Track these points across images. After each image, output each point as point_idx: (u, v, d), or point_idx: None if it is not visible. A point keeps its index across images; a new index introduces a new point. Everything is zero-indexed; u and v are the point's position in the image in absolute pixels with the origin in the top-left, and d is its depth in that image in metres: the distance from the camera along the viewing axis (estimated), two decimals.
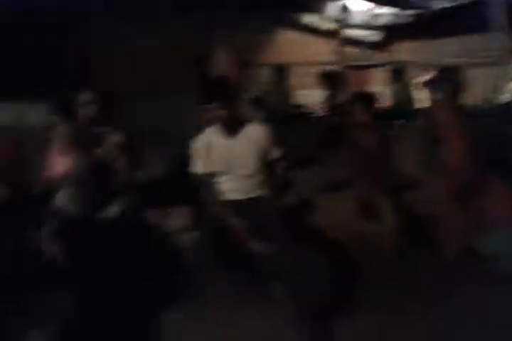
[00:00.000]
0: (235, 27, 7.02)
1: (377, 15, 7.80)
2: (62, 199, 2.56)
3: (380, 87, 8.34)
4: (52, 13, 5.70)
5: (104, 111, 2.62)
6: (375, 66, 9.06)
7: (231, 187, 2.65)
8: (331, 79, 5.74)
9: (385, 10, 7.69)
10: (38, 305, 2.34)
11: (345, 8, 7.30)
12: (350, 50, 7.55)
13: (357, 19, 7.73)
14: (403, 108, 5.88)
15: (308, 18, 7.91)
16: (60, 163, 2.58)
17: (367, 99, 3.06)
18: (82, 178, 2.48)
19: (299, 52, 8.27)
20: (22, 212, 2.50)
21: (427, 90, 3.01)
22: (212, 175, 2.64)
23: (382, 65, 8.96)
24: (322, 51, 8.25)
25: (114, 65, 6.57)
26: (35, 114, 5.43)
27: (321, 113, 5.84)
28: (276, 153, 2.68)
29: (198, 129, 2.66)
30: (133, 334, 2.36)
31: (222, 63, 7.31)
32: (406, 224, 2.84)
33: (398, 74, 6.32)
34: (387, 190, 2.92)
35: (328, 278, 2.70)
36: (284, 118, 5.37)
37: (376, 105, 3.07)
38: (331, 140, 4.84)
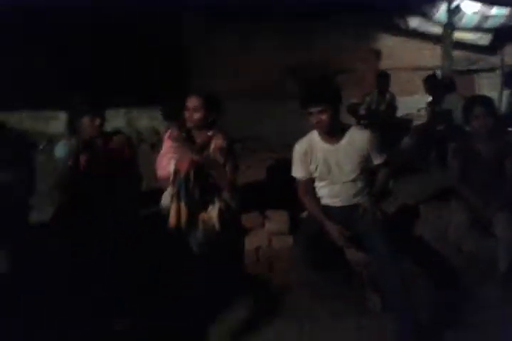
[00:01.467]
0: (340, 33, 6.95)
1: (487, 17, 7.29)
2: (167, 198, 2.69)
3: (491, 93, 7.79)
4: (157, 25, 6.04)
5: (209, 116, 2.72)
6: (484, 70, 8.47)
7: (330, 193, 2.61)
8: (435, 84, 5.44)
9: (496, 11, 7.15)
10: None
11: (457, 10, 6.89)
12: (457, 54, 7.13)
13: (466, 22, 7.29)
14: None
15: (415, 23, 7.62)
16: (167, 165, 2.72)
17: (487, 103, 2.79)
18: (187, 180, 2.57)
19: (403, 57, 8.01)
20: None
21: None
22: (312, 180, 2.62)
23: (493, 69, 8.36)
24: (428, 56, 7.91)
25: (218, 71, 6.86)
26: (145, 119, 5.82)
27: (425, 119, 5.57)
28: (377, 160, 2.59)
29: (300, 134, 2.65)
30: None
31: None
32: None
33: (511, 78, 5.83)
34: (502, 202, 2.66)
35: (429, 293, 2.55)
36: (388, 125, 5.20)
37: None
38: (437, 147, 4.60)
